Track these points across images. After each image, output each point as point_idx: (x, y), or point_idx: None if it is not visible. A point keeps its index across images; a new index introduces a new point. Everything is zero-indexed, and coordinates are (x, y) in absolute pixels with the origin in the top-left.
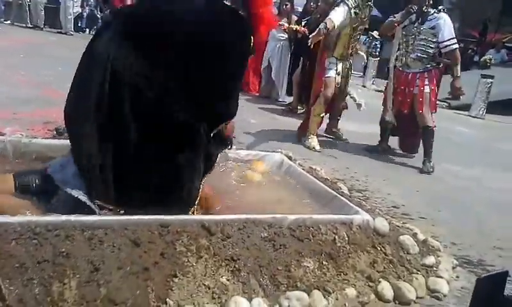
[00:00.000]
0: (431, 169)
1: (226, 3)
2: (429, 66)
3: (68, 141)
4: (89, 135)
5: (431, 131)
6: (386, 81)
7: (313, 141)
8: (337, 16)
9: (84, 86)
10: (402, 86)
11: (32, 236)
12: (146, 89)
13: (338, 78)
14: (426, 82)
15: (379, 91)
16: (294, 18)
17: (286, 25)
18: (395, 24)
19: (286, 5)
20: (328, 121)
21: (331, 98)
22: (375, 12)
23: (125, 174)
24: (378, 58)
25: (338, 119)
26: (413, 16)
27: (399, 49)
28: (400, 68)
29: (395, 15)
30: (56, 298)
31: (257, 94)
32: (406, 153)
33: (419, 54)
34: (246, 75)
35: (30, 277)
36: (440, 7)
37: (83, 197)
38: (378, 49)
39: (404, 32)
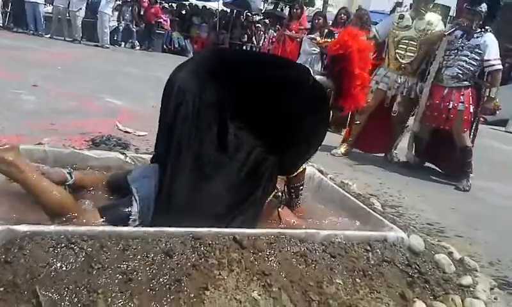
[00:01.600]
0: (467, 188)
1: (317, 79)
2: (466, 83)
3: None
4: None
5: (468, 149)
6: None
7: (341, 147)
8: (380, 25)
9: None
10: (437, 100)
11: (68, 245)
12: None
13: (374, 87)
14: (462, 99)
15: None
16: (326, 31)
17: (319, 38)
18: (444, 33)
19: (319, 19)
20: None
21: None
22: None
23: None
24: None
25: (393, 143)
26: (459, 32)
27: (440, 63)
28: (437, 83)
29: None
30: None
31: None
32: (444, 172)
33: (457, 70)
34: None
35: (65, 286)
36: (487, 27)
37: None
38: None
39: (448, 46)
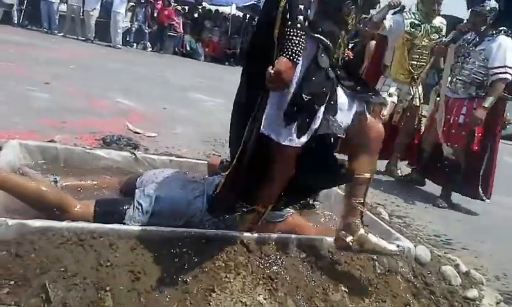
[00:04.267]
0: (442, 205)
1: None
2: (473, 93)
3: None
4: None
5: (457, 166)
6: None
7: None
8: (386, 23)
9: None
10: (448, 115)
11: (78, 242)
12: None
13: (389, 100)
14: (463, 112)
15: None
16: None
17: None
18: (442, 46)
19: None
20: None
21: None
22: None
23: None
24: None
25: (398, 156)
26: (470, 36)
27: (450, 72)
28: (446, 94)
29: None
30: (97, 304)
31: None
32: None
33: (463, 78)
34: None
35: (74, 283)
36: (501, 28)
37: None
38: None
39: (455, 53)
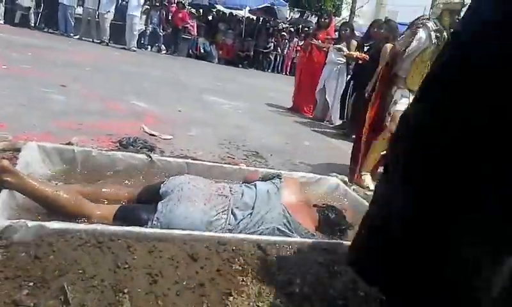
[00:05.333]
0: None
1: None
2: None
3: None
4: None
5: None
6: None
7: (367, 179)
8: (413, 44)
9: None
10: None
11: (96, 244)
12: None
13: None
14: None
15: None
16: (354, 43)
17: (345, 49)
18: None
19: (346, 30)
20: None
21: None
22: None
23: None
24: None
25: None
26: None
27: None
28: None
29: None
30: (114, 306)
31: (311, 116)
32: None
33: None
34: (300, 98)
35: (92, 285)
36: None
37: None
38: None
39: None
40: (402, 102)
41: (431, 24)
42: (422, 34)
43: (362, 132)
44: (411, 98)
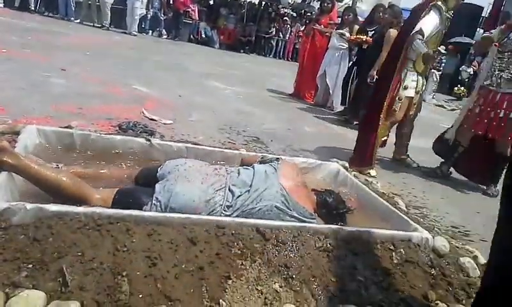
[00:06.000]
0: (496, 193)
1: None
2: None
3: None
4: None
5: (506, 159)
6: (450, 98)
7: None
8: (428, 25)
9: None
10: (489, 107)
11: (95, 227)
12: None
13: (417, 98)
14: None
15: (438, 105)
16: (356, 27)
17: (348, 34)
18: (495, 44)
19: (348, 15)
20: (394, 147)
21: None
22: None
23: None
24: (441, 72)
25: (407, 144)
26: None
27: (492, 67)
28: (490, 87)
29: (492, 31)
30: (113, 289)
31: (312, 102)
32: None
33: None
34: (302, 83)
35: (91, 267)
36: None
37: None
38: (443, 64)
39: (500, 49)
40: (411, 86)
41: (440, 4)
42: (435, 16)
43: (372, 119)
44: (420, 81)
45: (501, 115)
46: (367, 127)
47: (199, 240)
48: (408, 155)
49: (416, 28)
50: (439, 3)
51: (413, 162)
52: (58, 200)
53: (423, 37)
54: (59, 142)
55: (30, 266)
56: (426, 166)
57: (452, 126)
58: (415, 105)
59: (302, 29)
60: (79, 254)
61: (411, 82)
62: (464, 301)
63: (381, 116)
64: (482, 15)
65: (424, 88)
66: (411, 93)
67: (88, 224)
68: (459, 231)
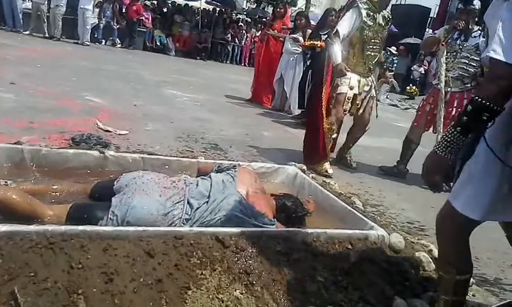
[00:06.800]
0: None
1: None
2: (469, 85)
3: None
4: None
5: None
6: (403, 97)
7: (326, 164)
8: (344, 25)
9: None
10: (449, 107)
11: (48, 245)
12: None
13: (350, 93)
14: (466, 104)
15: (393, 105)
16: (309, 32)
17: (301, 39)
18: (442, 43)
19: (301, 20)
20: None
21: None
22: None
23: None
24: (392, 73)
25: (351, 147)
26: (456, 33)
27: (441, 67)
28: (439, 87)
29: (436, 31)
30: None
31: (270, 107)
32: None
33: (460, 72)
34: (259, 88)
35: (45, 287)
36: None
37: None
38: (395, 64)
39: (447, 49)
40: (343, 84)
41: (359, 4)
42: (351, 15)
43: (318, 119)
44: (354, 79)
45: (453, 113)
46: (311, 125)
47: (156, 253)
48: (351, 156)
49: (334, 30)
50: (358, 3)
51: (352, 164)
52: (9, 219)
53: (339, 38)
54: (8, 159)
55: None
56: (386, 166)
57: (413, 127)
58: (358, 105)
59: (257, 34)
60: (32, 274)
61: (341, 81)
62: (420, 295)
63: (322, 111)
64: (431, 15)
65: (368, 89)
66: (343, 89)
67: (40, 242)
68: (414, 227)
